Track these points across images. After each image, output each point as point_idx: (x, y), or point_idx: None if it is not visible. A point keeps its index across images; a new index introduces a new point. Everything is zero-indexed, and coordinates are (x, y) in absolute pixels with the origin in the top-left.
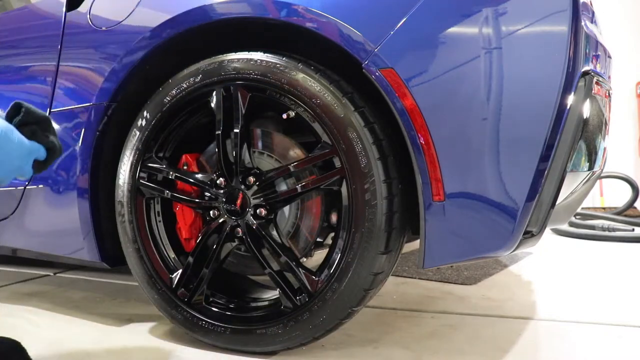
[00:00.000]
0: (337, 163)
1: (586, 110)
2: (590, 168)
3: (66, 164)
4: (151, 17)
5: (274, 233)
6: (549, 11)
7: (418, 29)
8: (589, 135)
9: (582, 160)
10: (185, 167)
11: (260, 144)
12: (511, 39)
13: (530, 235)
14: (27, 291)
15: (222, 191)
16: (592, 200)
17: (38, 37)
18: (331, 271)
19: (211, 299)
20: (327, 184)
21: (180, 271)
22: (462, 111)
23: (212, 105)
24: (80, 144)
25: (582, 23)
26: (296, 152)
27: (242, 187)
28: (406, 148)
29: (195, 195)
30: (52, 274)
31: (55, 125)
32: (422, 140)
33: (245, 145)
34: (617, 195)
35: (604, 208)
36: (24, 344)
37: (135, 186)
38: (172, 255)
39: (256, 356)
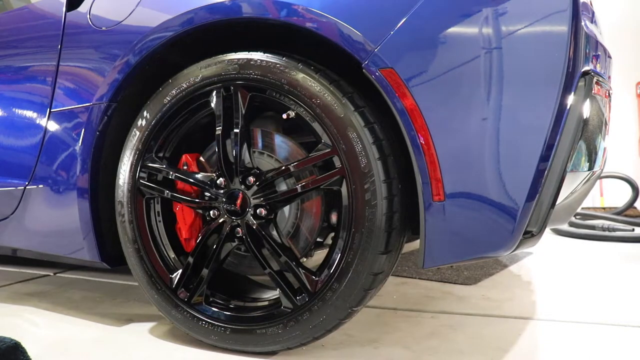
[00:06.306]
0: (337, 163)
1: (586, 110)
2: (590, 168)
3: (66, 164)
4: (151, 17)
5: (274, 233)
6: (549, 11)
7: (418, 29)
8: (589, 135)
9: (582, 160)
10: (185, 167)
11: (260, 144)
12: (511, 39)
13: (530, 235)
14: (27, 291)
15: (222, 191)
16: (592, 200)
17: (38, 37)
18: (331, 271)
19: (211, 299)
20: (327, 184)
21: (180, 271)
22: (462, 111)
23: (212, 105)
24: (80, 144)
25: (582, 23)
26: (296, 152)
27: (242, 187)
28: (406, 148)
29: (195, 195)
30: (52, 274)
31: (56, 125)
32: (422, 140)
33: (245, 145)
34: (617, 195)
35: (604, 208)
36: (24, 344)
37: (135, 186)
38: (172, 255)
39: (256, 356)
